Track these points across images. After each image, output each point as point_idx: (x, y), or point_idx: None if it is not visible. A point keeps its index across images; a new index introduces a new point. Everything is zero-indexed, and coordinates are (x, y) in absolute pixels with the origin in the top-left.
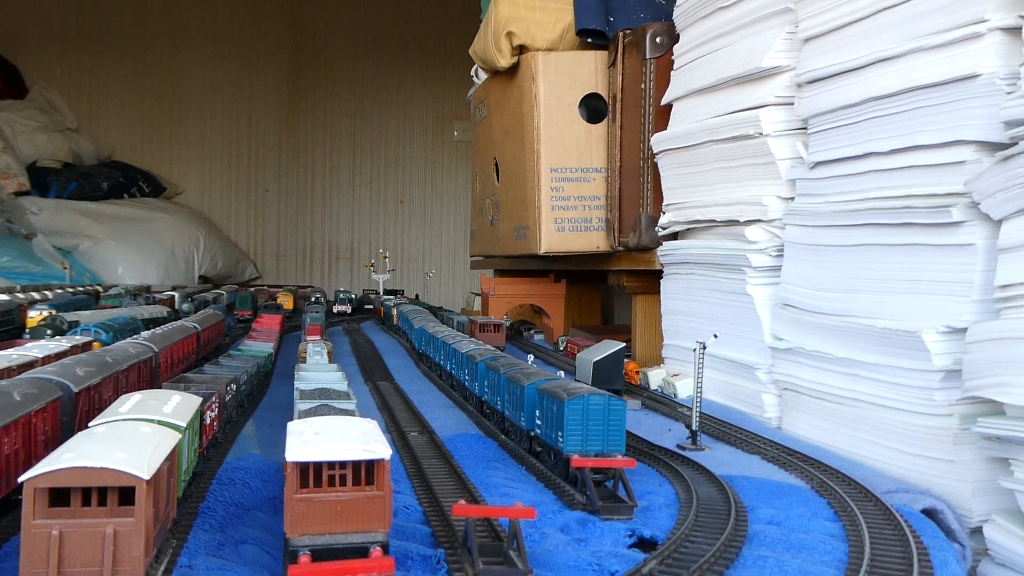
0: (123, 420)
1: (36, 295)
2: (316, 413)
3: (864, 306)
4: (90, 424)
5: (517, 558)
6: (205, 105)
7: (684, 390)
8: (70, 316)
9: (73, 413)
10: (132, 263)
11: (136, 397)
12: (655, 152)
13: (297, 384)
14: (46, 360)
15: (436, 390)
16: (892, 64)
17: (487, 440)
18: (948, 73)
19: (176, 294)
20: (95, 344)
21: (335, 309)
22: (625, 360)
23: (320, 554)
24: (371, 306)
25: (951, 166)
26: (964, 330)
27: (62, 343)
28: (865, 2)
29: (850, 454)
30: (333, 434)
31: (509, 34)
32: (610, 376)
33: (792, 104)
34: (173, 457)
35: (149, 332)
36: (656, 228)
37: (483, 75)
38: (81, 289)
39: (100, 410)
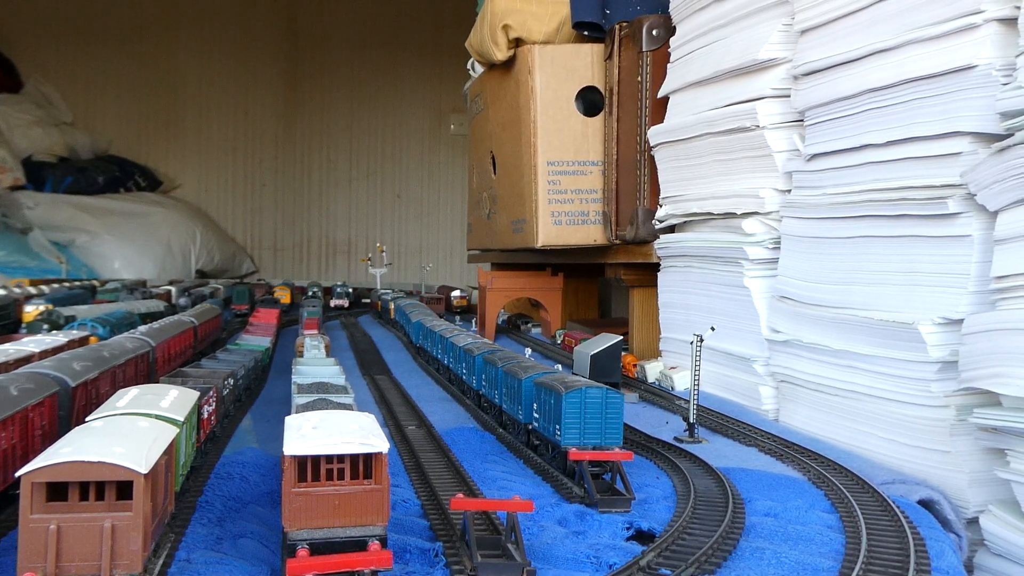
0: (120, 414)
1: (33, 290)
2: (314, 407)
3: (861, 298)
4: (87, 419)
5: (515, 551)
6: (201, 99)
7: (681, 383)
8: (67, 311)
9: (70, 408)
10: (129, 258)
11: (133, 391)
12: (652, 145)
13: (295, 378)
14: (43, 355)
15: (434, 384)
16: (888, 56)
17: (485, 433)
18: (944, 64)
19: (173, 288)
20: (92, 339)
21: (332, 303)
22: (622, 353)
23: (318, 548)
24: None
25: (947, 157)
26: (960, 321)
27: (59, 338)
28: None
29: (847, 446)
30: (331, 428)
31: (505, 27)
32: (607, 369)
33: (789, 96)
34: (171, 451)
35: (146, 326)
36: (653, 221)
37: (479, 68)
38: (78, 284)
39: (97, 405)
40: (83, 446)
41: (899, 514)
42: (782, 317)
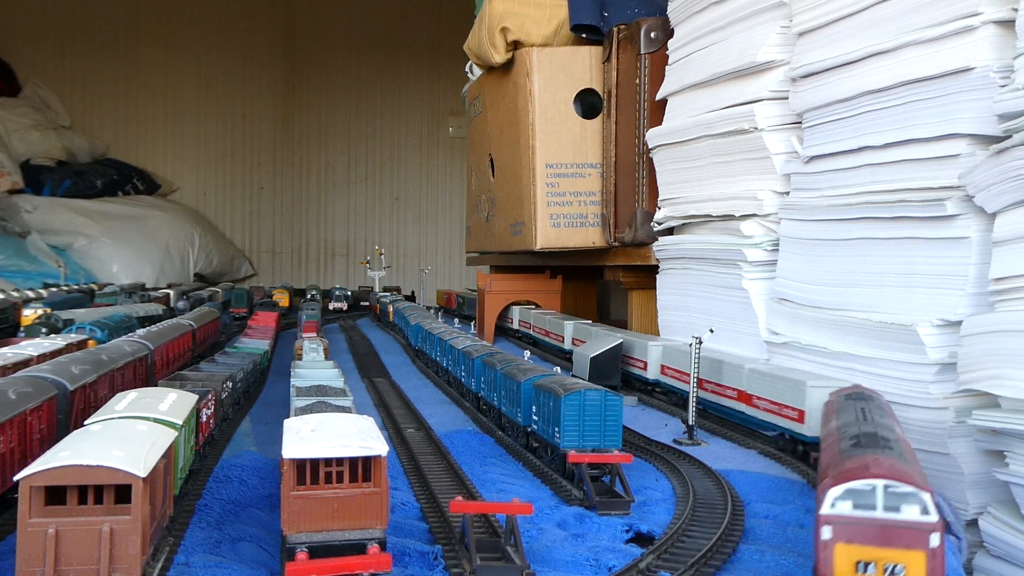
0: (119, 418)
1: (31, 293)
2: (313, 410)
3: (859, 300)
4: (86, 422)
5: (514, 554)
6: (199, 102)
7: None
8: (65, 314)
9: (69, 411)
10: (127, 261)
11: (132, 395)
12: (650, 147)
13: (293, 381)
14: (41, 358)
15: (432, 386)
16: (886, 58)
17: (484, 436)
18: (942, 66)
19: (171, 292)
20: (90, 342)
21: (331, 306)
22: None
23: (317, 551)
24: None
25: (945, 159)
26: (959, 323)
27: (57, 341)
28: None
29: None
30: (330, 431)
31: (503, 30)
32: (607, 371)
33: (787, 98)
34: (169, 455)
35: (144, 330)
36: (652, 223)
37: (478, 71)
38: (76, 287)
39: (96, 408)
40: (81, 450)
41: None
42: (781, 319)
